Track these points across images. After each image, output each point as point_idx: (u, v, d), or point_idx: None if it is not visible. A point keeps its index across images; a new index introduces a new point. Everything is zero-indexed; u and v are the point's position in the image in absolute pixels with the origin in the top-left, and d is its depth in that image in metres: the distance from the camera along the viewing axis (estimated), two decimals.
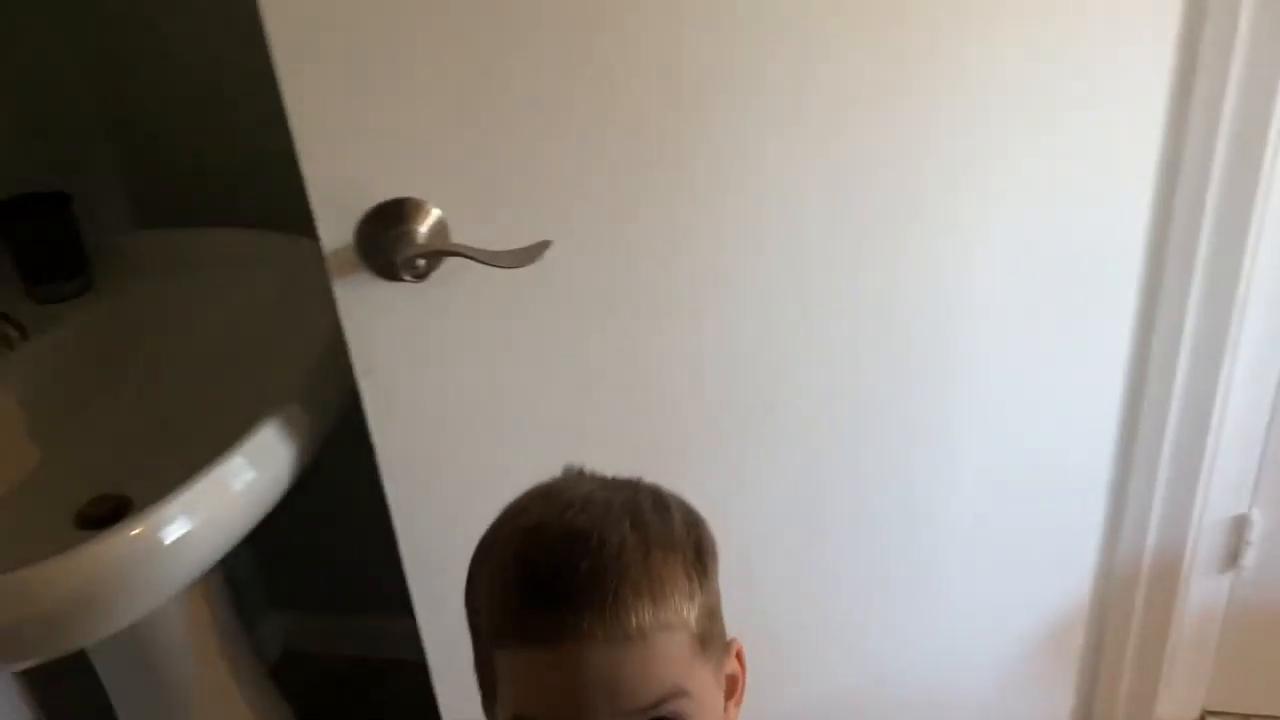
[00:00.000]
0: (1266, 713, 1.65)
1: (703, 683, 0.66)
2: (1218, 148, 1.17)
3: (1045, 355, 1.20)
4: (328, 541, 1.76)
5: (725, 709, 0.71)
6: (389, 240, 0.91)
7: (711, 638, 0.68)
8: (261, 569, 1.86)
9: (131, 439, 1.22)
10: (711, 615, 0.68)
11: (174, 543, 0.97)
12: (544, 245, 0.92)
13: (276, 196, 1.26)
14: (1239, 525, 1.49)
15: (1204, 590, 1.53)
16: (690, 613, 0.65)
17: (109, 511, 1.17)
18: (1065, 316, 1.18)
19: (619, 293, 1.01)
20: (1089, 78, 1.01)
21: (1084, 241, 1.13)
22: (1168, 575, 1.46)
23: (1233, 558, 1.51)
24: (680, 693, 0.63)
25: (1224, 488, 1.44)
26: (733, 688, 0.72)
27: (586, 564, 0.61)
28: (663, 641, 0.63)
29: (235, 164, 1.43)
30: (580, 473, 0.71)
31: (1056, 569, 1.38)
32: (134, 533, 0.95)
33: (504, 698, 0.66)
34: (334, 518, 1.67)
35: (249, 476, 1.02)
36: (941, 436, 1.21)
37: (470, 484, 1.05)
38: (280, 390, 1.07)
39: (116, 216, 1.48)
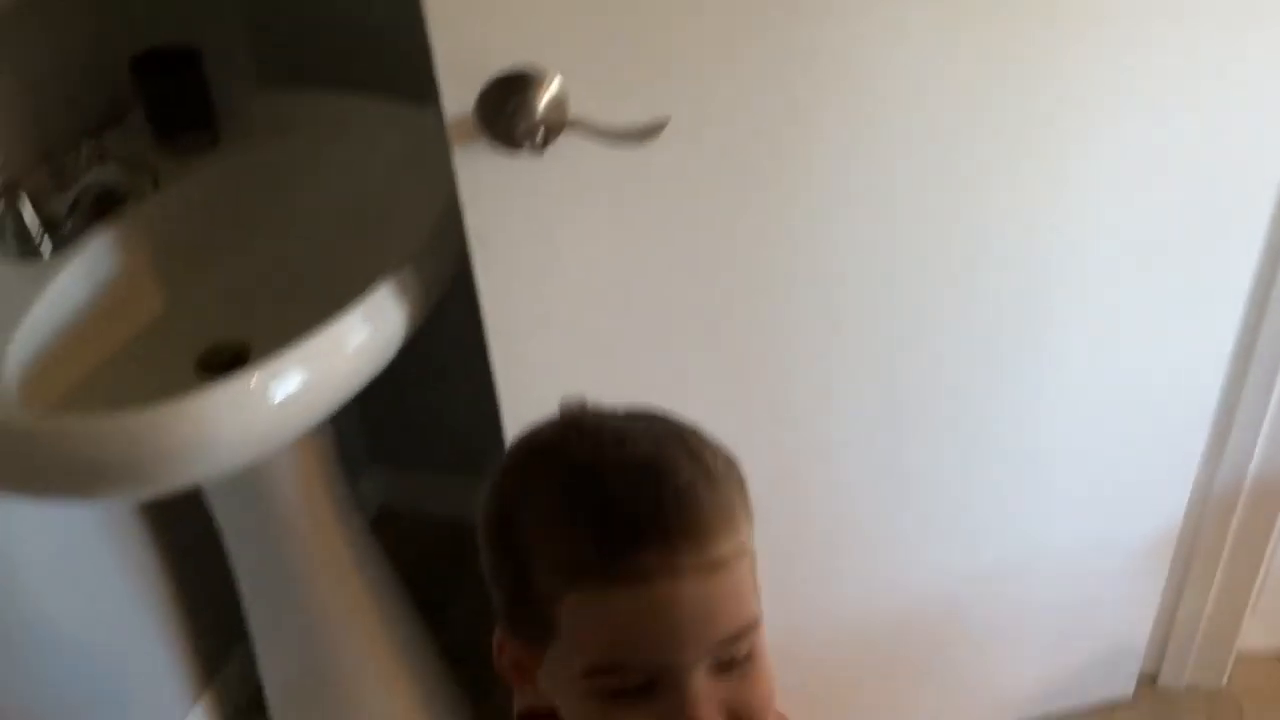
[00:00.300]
0: None
1: (755, 582, 0.65)
2: None
3: (1165, 272, 1.17)
4: (430, 402, 1.81)
5: None
6: (510, 110, 0.91)
7: (750, 525, 0.66)
8: (365, 425, 1.92)
9: (253, 292, 1.26)
10: (749, 510, 0.66)
11: (287, 395, 1.01)
12: (662, 123, 0.92)
13: (398, 62, 1.28)
14: None
15: None
16: (750, 536, 0.64)
17: (229, 359, 1.22)
18: (1190, 235, 1.14)
19: (733, 176, 1.01)
20: None
21: (1216, 160, 1.09)
22: (1267, 503, 1.44)
23: None
24: (757, 621, 0.63)
25: None
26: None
27: (668, 496, 0.60)
28: (742, 567, 0.62)
29: (359, 27, 1.44)
30: (586, 407, 0.67)
31: (1155, 486, 1.37)
32: (251, 381, 0.99)
33: (574, 645, 0.62)
34: (438, 379, 1.72)
35: (363, 334, 1.05)
36: (1051, 347, 1.19)
37: (573, 353, 1.08)
38: (396, 254, 1.10)
39: (244, 75, 1.51)
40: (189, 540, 1.49)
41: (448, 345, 1.43)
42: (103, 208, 1.18)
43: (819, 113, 0.99)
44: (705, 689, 0.61)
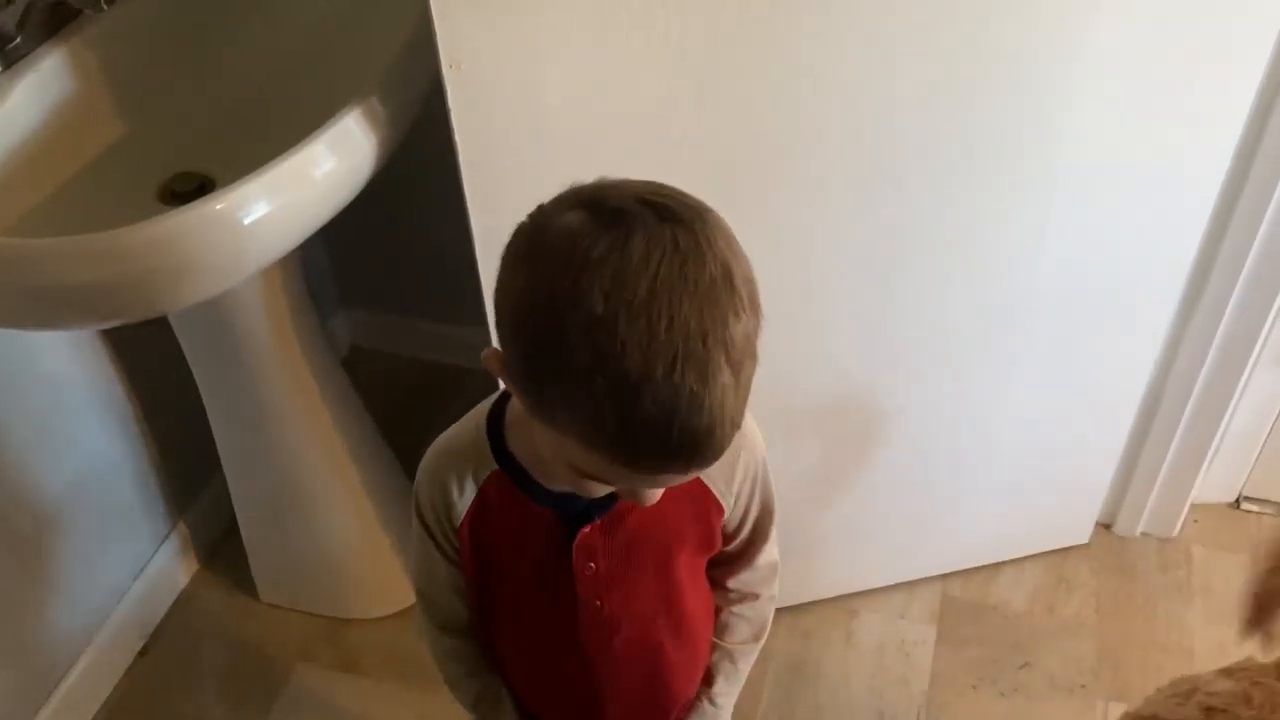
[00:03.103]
0: None
1: None
2: None
3: (1150, 137, 1.15)
4: (401, 243, 1.79)
5: None
6: None
7: None
8: (334, 266, 1.90)
9: (216, 119, 1.22)
10: None
11: (254, 221, 0.99)
12: None
13: None
14: None
15: (1266, 381, 1.52)
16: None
17: (193, 189, 1.19)
18: (1179, 101, 1.12)
19: (714, 9, 0.97)
20: None
21: (1204, 40, 1.06)
22: (1233, 361, 1.46)
23: None
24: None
25: None
26: None
27: (701, 426, 0.64)
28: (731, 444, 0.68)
29: None
30: (641, 242, 0.64)
31: (1127, 337, 1.38)
32: (216, 207, 0.97)
33: (570, 449, 0.68)
34: (409, 219, 1.69)
35: (330, 163, 1.02)
36: (1039, 194, 1.18)
37: (554, 186, 1.05)
38: (364, 81, 1.06)
39: None
40: (160, 370, 1.48)
41: (419, 185, 1.40)
42: (55, 24, 1.12)
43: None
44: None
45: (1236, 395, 1.51)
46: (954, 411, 1.39)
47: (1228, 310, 1.40)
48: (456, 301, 1.77)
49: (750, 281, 0.67)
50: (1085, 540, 1.66)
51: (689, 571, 0.93)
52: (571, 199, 0.68)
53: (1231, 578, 1.61)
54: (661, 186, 0.68)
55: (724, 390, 0.65)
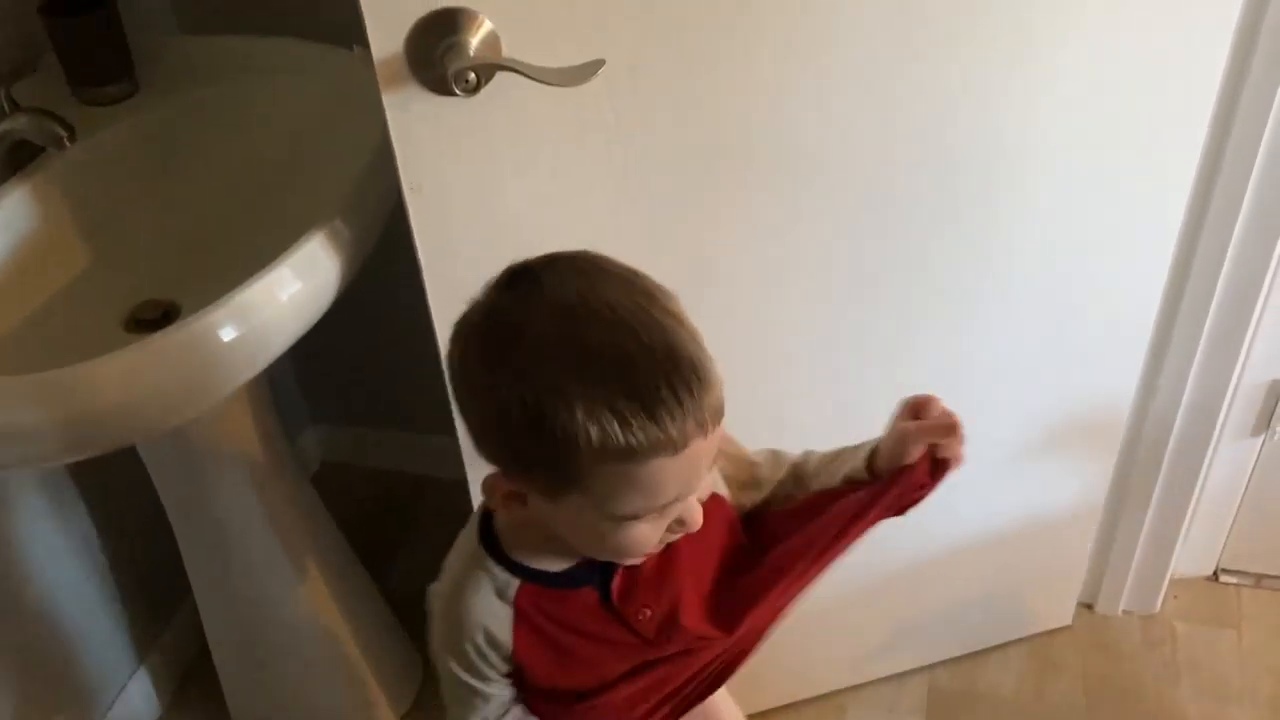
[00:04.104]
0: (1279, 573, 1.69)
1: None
2: None
3: (1101, 207, 1.18)
4: (369, 356, 1.79)
5: None
6: (440, 51, 0.88)
7: None
8: (302, 381, 1.89)
9: (180, 246, 1.23)
10: None
11: (220, 348, 0.98)
12: (597, 64, 0.90)
13: (326, 4, 1.24)
14: (1276, 390, 1.48)
15: (1233, 453, 1.54)
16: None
17: (158, 316, 1.19)
18: (1127, 166, 1.15)
19: (671, 115, 0.99)
20: None
21: (1155, 84, 1.09)
22: (1200, 433, 1.47)
23: (1266, 421, 1.51)
24: (704, 468, 0.76)
25: (1265, 352, 1.43)
26: None
27: (698, 380, 0.69)
28: (713, 437, 0.73)
29: None
30: (538, 277, 0.74)
31: (1091, 415, 1.39)
32: (181, 337, 0.97)
33: (602, 498, 0.73)
34: (376, 332, 1.69)
35: (295, 286, 1.02)
36: (993, 262, 1.20)
37: None
38: (327, 202, 1.07)
39: (162, 20, 1.46)
40: (126, 498, 1.47)
41: (384, 298, 1.41)
42: (17, 161, 1.13)
43: (758, 47, 0.98)
44: (662, 524, 0.77)
45: (1205, 467, 1.52)
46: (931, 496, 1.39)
47: (1189, 382, 1.42)
48: (423, 411, 1.78)
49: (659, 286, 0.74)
50: (1069, 621, 1.65)
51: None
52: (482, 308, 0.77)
53: (1217, 652, 1.61)
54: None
55: (688, 335, 0.71)
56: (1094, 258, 1.22)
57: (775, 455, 0.95)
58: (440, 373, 1.11)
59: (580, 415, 0.68)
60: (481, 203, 0.99)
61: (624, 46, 0.93)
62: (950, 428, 0.84)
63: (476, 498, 1.21)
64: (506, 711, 0.92)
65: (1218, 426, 1.47)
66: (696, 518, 0.78)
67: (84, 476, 1.42)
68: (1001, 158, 1.11)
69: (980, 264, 1.19)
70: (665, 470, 0.71)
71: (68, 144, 1.09)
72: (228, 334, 0.98)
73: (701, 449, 0.72)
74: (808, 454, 0.95)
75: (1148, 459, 1.50)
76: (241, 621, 1.47)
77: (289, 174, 1.24)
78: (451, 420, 1.14)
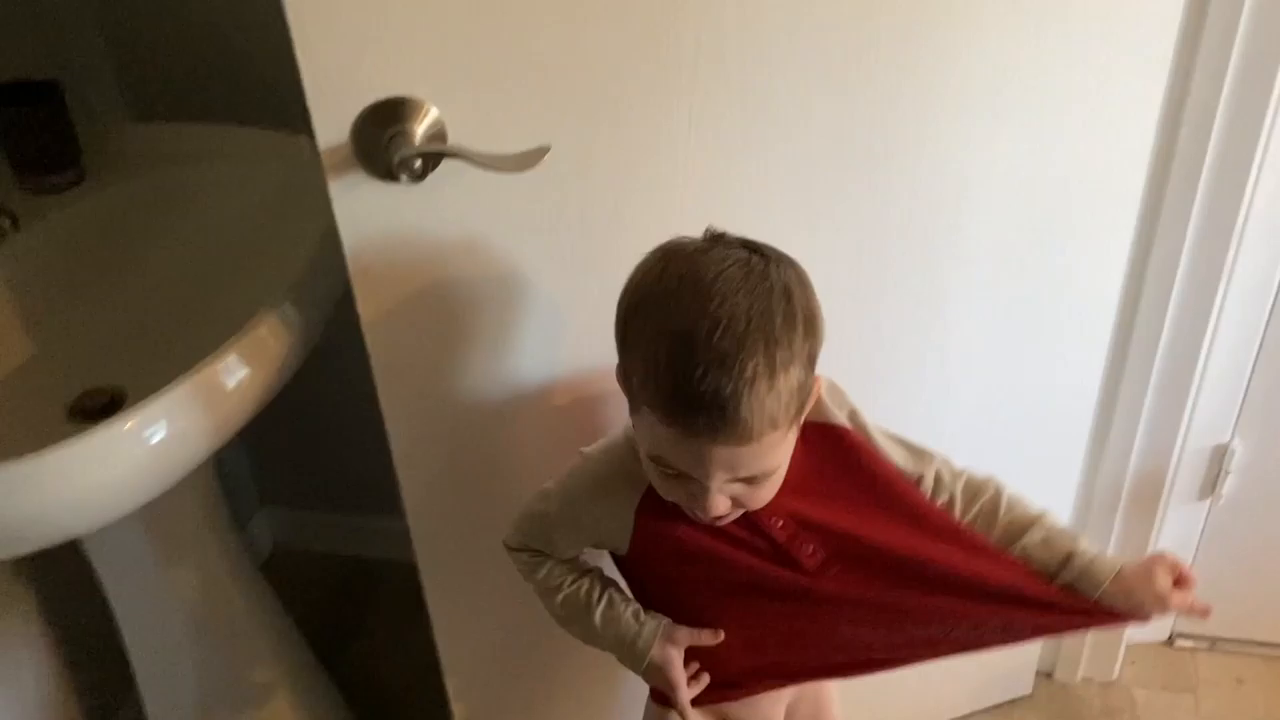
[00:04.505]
0: (1233, 636, 1.70)
1: (790, 444, 0.86)
2: (1225, 80, 1.16)
3: (1042, 277, 1.20)
4: (320, 439, 1.77)
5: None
6: (386, 140, 0.89)
7: (807, 404, 0.86)
8: (253, 465, 1.87)
9: (126, 333, 1.22)
10: (809, 394, 0.85)
11: (166, 438, 0.97)
12: (543, 150, 0.91)
13: (273, 91, 1.24)
14: (1220, 454, 1.51)
15: (1182, 517, 1.56)
16: (795, 409, 0.83)
17: (103, 405, 1.17)
18: (1065, 237, 1.18)
19: (616, 200, 1.01)
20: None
21: (1087, 163, 1.13)
22: (1147, 500, 1.49)
23: (1212, 486, 1.53)
24: (776, 468, 0.86)
25: (1208, 417, 1.46)
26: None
27: (726, 389, 0.77)
28: (772, 439, 0.82)
29: (230, 57, 1.41)
30: (716, 252, 0.83)
31: (1040, 491, 1.40)
32: (126, 426, 0.95)
33: (642, 433, 0.87)
34: (326, 416, 1.68)
35: (242, 374, 1.01)
36: (938, 353, 1.21)
37: (461, 386, 1.06)
38: (274, 288, 1.07)
39: (109, 108, 1.46)
40: (68, 590, 1.43)
41: (335, 381, 1.40)
42: None
43: (698, 135, 1.00)
44: (721, 491, 0.85)
45: (1155, 532, 1.54)
46: None
47: (1134, 450, 1.44)
48: (373, 494, 1.76)
49: (811, 312, 0.82)
50: (1029, 690, 1.65)
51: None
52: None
53: (1175, 717, 1.61)
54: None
55: (757, 372, 0.78)
56: (1035, 336, 1.25)
57: (971, 482, 1.01)
58: (389, 454, 1.11)
59: (640, 353, 0.82)
60: (429, 288, 0.99)
61: (570, 132, 0.95)
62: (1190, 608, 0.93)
63: (429, 583, 1.21)
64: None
65: (1165, 491, 1.49)
66: (751, 501, 0.88)
67: (27, 571, 1.39)
68: (940, 238, 1.14)
69: (921, 337, 1.21)
70: (683, 445, 0.82)
71: (11, 232, 1.08)
72: (172, 424, 0.97)
73: (721, 455, 0.81)
74: (1039, 516, 0.98)
75: (1098, 526, 1.51)
76: (189, 715, 1.43)
77: (238, 260, 1.23)
78: (400, 502, 1.14)
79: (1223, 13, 1.13)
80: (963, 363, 1.24)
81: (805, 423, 0.89)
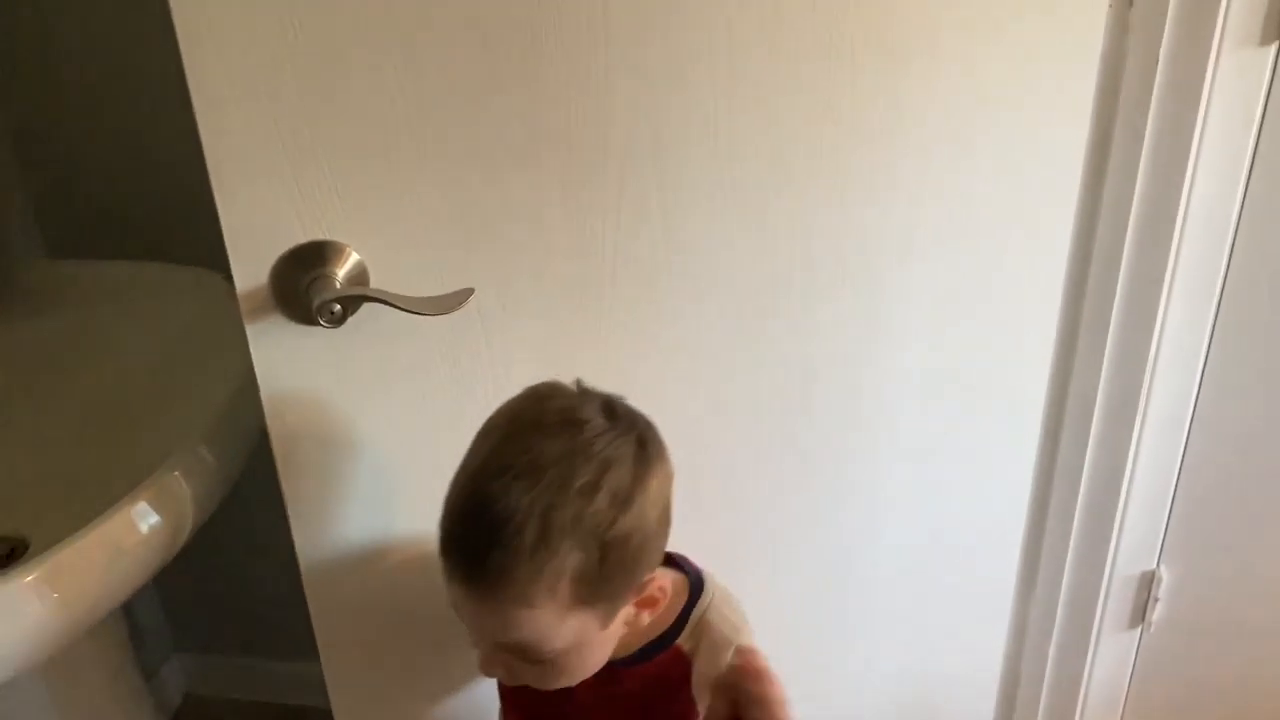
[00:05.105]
0: None
1: (574, 630, 0.79)
2: (1130, 216, 1.20)
3: (964, 412, 1.21)
4: (233, 584, 1.72)
5: (637, 615, 0.86)
6: (305, 284, 0.88)
7: (600, 597, 0.79)
8: (165, 610, 1.80)
9: (31, 477, 1.18)
10: (606, 580, 0.78)
11: (72, 588, 0.93)
12: (466, 293, 0.91)
13: (193, 230, 1.23)
14: (1147, 581, 1.52)
15: (1114, 646, 1.56)
16: (565, 592, 0.76)
17: (4, 553, 1.12)
18: (985, 374, 1.19)
19: (542, 339, 1.00)
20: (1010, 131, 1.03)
21: (1001, 299, 1.15)
22: (1079, 631, 1.49)
23: (1141, 613, 1.54)
24: (536, 643, 0.79)
25: (1133, 545, 1.47)
26: (649, 604, 0.86)
27: (483, 543, 0.74)
28: (523, 614, 0.76)
29: (150, 197, 1.40)
30: (558, 409, 0.80)
31: (972, 626, 1.39)
32: (29, 578, 0.91)
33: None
34: (239, 559, 1.64)
35: (153, 520, 0.98)
36: (868, 488, 1.21)
37: (378, 535, 1.03)
38: (188, 430, 1.04)
39: (27, 242, 1.44)
40: None
41: (250, 522, 1.36)
42: None
43: (624, 286, 1.00)
44: (493, 655, 0.83)
45: (1089, 662, 1.53)
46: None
47: (1064, 580, 1.44)
48: (288, 639, 1.70)
49: (627, 496, 0.77)
50: None
51: None
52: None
53: None
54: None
55: (516, 533, 0.73)
56: (959, 469, 1.25)
57: None
58: (304, 600, 1.07)
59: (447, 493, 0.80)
60: (347, 433, 0.97)
61: (493, 278, 0.95)
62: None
63: None
64: None
65: (1096, 620, 1.49)
66: (536, 681, 0.84)
67: None
68: (862, 370, 1.15)
69: (842, 479, 1.21)
70: (450, 587, 0.79)
71: None
72: (78, 573, 0.93)
73: (473, 610, 0.78)
74: None
75: (1031, 658, 1.50)
76: None
77: (152, 401, 1.21)
78: (315, 647, 1.10)
79: (1124, 148, 1.17)
80: (885, 504, 1.23)
81: (653, 636, 0.88)
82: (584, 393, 0.82)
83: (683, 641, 0.92)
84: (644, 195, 0.96)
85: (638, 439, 0.79)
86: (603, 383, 0.92)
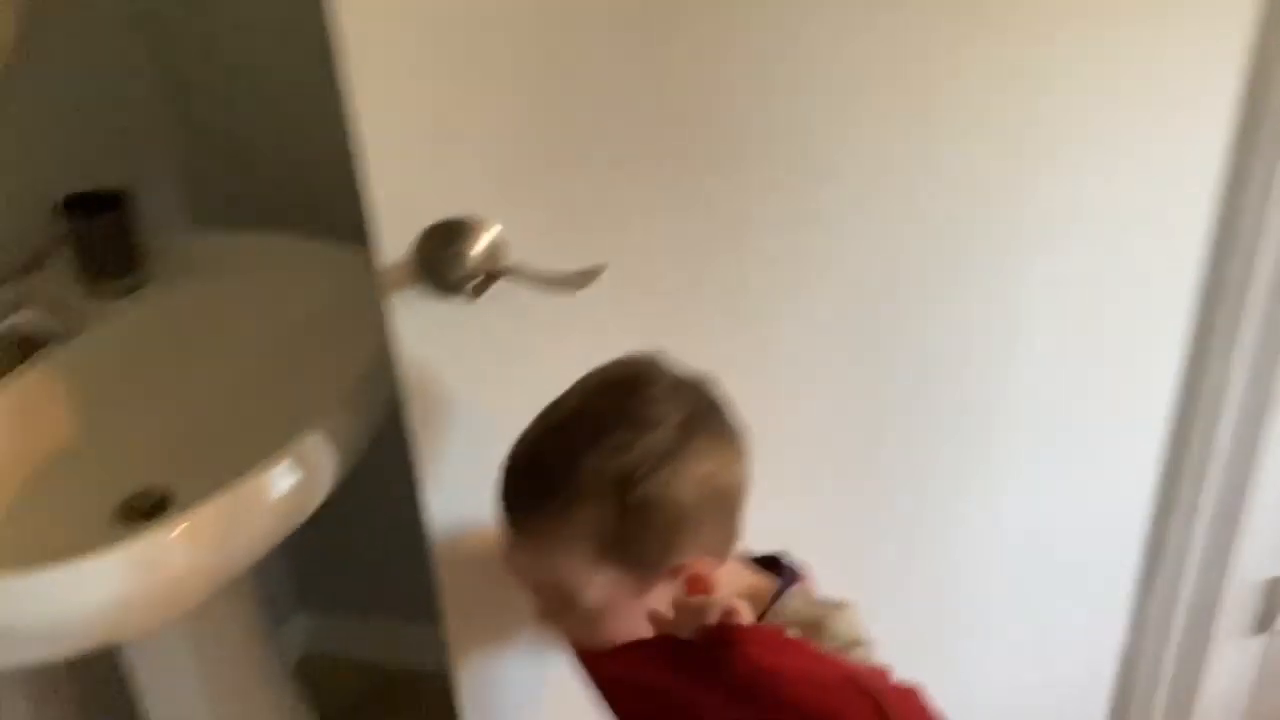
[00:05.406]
0: None
1: (610, 586, 0.83)
2: (1272, 190, 1.17)
3: (1087, 409, 1.19)
4: (358, 545, 1.77)
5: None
6: (446, 257, 0.91)
7: (628, 558, 0.82)
8: (290, 569, 1.87)
9: (177, 436, 1.23)
10: (636, 541, 0.81)
11: (215, 543, 0.98)
12: (598, 270, 0.93)
13: (332, 206, 1.28)
14: (1273, 588, 1.47)
15: (1235, 653, 1.51)
16: (589, 540, 0.80)
17: (150, 507, 1.18)
18: (1110, 371, 1.17)
19: (670, 323, 1.02)
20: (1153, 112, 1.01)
21: (1131, 298, 1.12)
22: (1199, 636, 1.45)
23: (1267, 620, 1.49)
24: (570, 590, 0.83)
25: (1259, 550, 1.43)
26: (696, 588, 0.84)
27: (521, 486, 0.83)
28: (553, 557, 0.82)
29: (293, 170, 1.45)
30: (628, 380, 0.84)
31: (1087, 628, 1.37)
32: (175, 531, 0.95)
33: None
34: (367, 522, 1.68)
35: (290, 482, 1.02)
36: (983, 491, 1.20)
37: None
38: (327, 397, 1.08)
39: (173, 217, 1.50)
40: (96, 690, 1.42)
41: (377, 488, 1.40)
42: (25, 351, 1.15)
43: (751, 260, 1.01)
44: (541, 603, 0.88)
45: (1207, 669, 1.49)
46: None
47: (1185, 584, 1.41)
48: (411, 601, 1.75)
49: (653, 458, 0.79)
50: None
51: None
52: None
53: None
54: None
55: (555, 471, 0.80)
56: (1082, 468, 1.22)
57: None
58: (426, 563, 1.10)
59: None
60: (479, 403, 1.00)
61: (626, 254, 0.96)
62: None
63: (465, 693, 1.19)
64: None
65: (1217, 626, 1.46)
66: (565, 627, 0.89)
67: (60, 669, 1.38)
68: (986, 370, 1.14)
69: (964, 474, 1.20)
70: (507, 545, 0.86)
71: (74, 337, 1.10)
72: (218, 530, 0.98)
73: (523, 553, 0.85)
74: None
75: (1148, 663, 1.47)
76: None
77: (291, 369, 1.25)
78: (432, 611, 1.13)
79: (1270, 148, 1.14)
80: (1007, 500, 1.22)
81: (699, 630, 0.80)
82: (665, 366, 0.84)
83: None
84: (777, 181, 0.97)
85: (690, 415, 0.81)
86: (718, 366, 0.94)
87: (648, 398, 0.81)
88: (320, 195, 1.37)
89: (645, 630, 0.85)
